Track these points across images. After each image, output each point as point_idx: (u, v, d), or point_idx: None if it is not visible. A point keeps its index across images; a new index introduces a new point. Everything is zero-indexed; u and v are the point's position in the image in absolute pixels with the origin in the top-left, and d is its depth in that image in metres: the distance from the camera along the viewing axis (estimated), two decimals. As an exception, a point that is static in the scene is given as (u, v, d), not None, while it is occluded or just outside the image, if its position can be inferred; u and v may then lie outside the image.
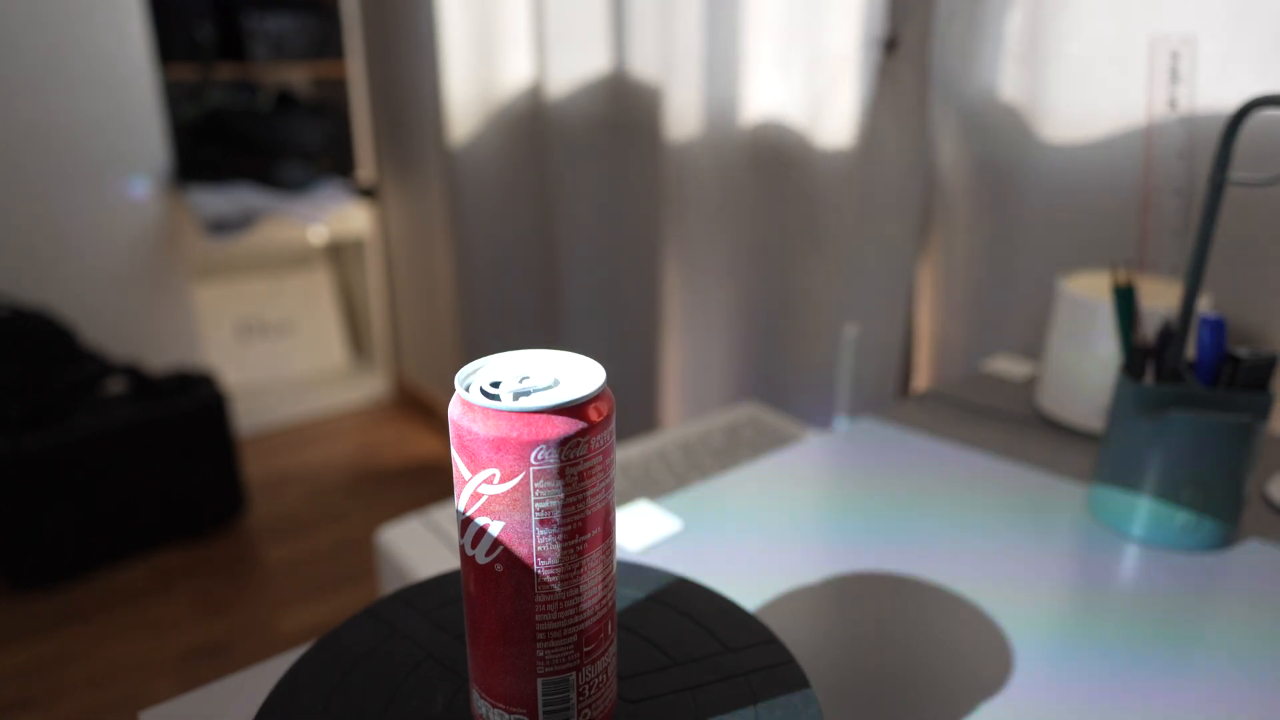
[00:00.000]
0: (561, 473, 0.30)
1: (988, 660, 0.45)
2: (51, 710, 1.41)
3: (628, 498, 0.89)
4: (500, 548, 0.31)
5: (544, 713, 0.34)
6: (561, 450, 0.30)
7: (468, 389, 0.31)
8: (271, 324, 2.53)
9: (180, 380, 1.84)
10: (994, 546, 0.56)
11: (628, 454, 1.00)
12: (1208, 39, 0.71)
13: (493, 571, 0.32)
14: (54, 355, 1.81)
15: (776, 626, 0.48)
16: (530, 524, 0.31)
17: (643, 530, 0.57)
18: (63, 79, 1.87)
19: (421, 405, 2.51)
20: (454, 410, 0.31)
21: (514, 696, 0.34)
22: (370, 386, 2.58)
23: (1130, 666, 0.45)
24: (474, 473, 0.30)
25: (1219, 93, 0.72)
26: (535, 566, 0.32)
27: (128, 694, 1.45)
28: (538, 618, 0.32)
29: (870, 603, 0.50)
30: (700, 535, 0.57)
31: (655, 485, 0.93)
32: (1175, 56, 0.58)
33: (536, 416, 0.29)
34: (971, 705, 0.42)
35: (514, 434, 0.29)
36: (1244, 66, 0.73)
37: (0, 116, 1.81)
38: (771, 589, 0.52)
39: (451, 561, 0.78)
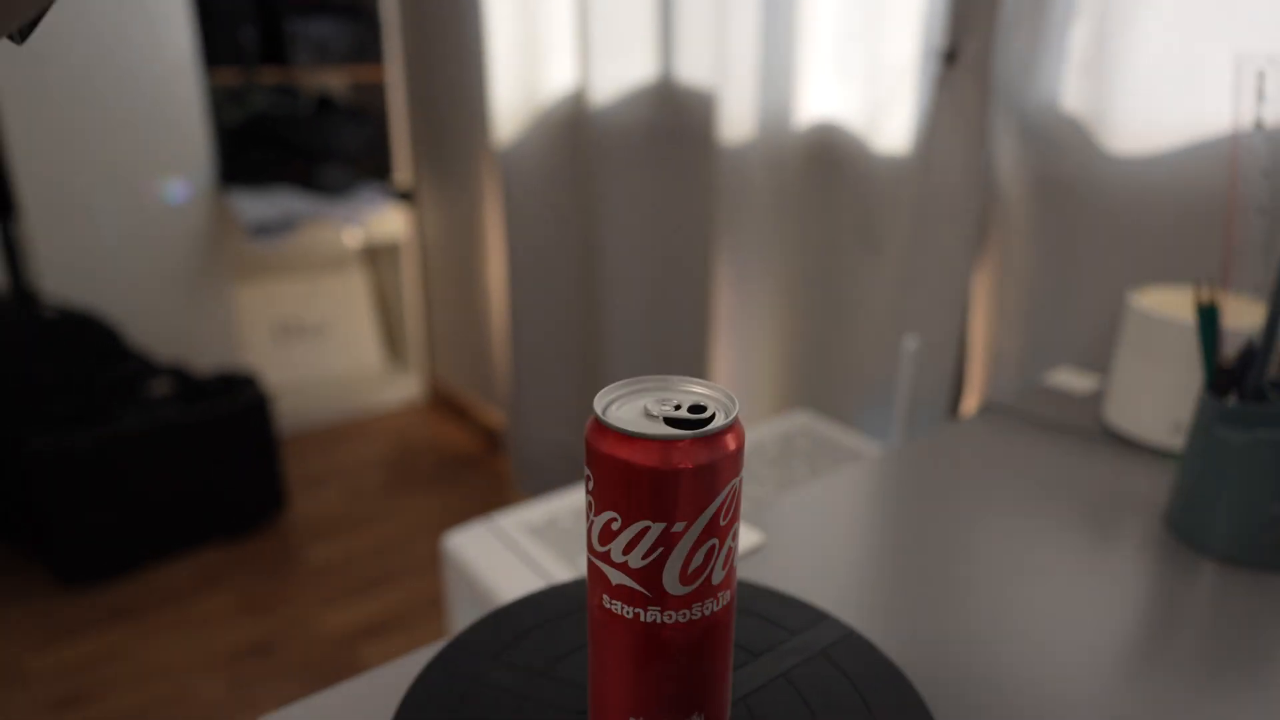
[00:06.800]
0: None
1: (1059, 676, 0.46)
2: (98, 707, 1.43)
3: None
4: (733, 545, 0.33)
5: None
6: None
7: (725, 423, 0.31)
8: (308, 325, 2.56)
9: (225, 381, 1.87)
10: (1068, 561, 0.57)
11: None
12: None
13: (730, 578, 0.33)
14: (101, 355, 1.84)
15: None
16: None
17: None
18: (110, 83, 1.90)
19: (455, 406, 2.52)
20: (719, 451, 0.31)
21: (695, 703, 0.35)
22: (405, 388, 2.61)
23: (1208, 686, 0.45)
24: (729, 480, 0.32)
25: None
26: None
27: (174, 692, 1.47)
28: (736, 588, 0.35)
29: (948, 617, 0.51)
30: (783, 547, 0.58)
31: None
32: (1262, 77, 0.58)
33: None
34: (1046, 717, 0.43)
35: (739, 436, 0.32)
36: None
37: (49, 120, 1.84)
38: (854, 597, 0.52)
39: (518, 567, 0.79)
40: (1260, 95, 0.59)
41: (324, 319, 2.59)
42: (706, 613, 0.33)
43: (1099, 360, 0.92)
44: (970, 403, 1.10)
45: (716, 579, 0.32)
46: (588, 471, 0.32)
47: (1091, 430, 0.77)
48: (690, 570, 0.31)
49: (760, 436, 1.05)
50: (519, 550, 0.81)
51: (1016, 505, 0.64)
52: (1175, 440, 0.71)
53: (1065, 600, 0.53)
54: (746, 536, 0.58)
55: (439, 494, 2.13)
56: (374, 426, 2.48)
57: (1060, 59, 0.92)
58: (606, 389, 0.33)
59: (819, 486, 0.67)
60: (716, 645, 0.34)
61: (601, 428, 0.31)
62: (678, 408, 0.32)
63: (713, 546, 0.31)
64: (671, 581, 0.31)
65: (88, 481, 1.67)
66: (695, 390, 0.33)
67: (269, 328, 2.50)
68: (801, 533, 0.60)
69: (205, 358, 2.12)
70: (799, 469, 0.98)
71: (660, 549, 0.31)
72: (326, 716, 0.42)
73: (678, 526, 0.30)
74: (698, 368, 1.48)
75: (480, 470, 2.24)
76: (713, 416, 0.32)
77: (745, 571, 0.55)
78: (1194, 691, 0.45)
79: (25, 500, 1.73)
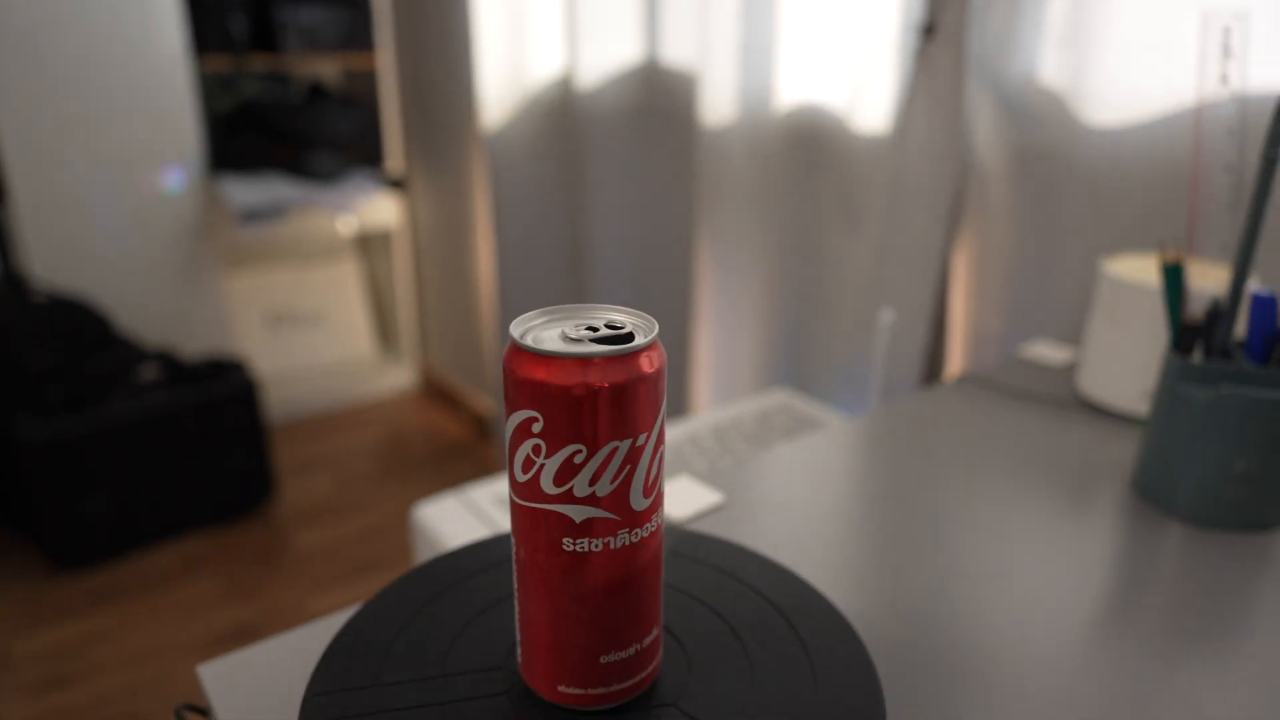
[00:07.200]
0: None
1: (1028, 636, 0.45)
2: (85, 688, 1.43)
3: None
4: (660, 467, 0.33)
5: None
6: None
7: (644, 343, 0.31)
8: (301, 314, 2.56)
9: (212, 366, 1.87)
10: (1035, 524, 0.56)
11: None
12: (1260, 16, 0.70)
13: (658, 498, 0.33)
14: (90, 341, 1.84)
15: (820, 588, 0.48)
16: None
17: (686, 502, 0.57)
18: (100, 69, 1.89)
19: (447, 395, 2.52)
20: (650, 364, 0.31)
21: (654, 617, 0.35)
22: (397, 376, 2.60)
23: (1174, 646, 0.45)
24: (659, 411, 0.31)
25: (1271, 70, 0.71)
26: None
27: (159, 674, 1.47)
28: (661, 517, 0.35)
29: (910, 579, 0.50)
30: (743, 507, 0.57)
31: (688, 467, 0.93)
32: (1227, 32, 0.57)
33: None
34: (1011, 682, 0.42)
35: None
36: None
37: (39, 107, 1.84)
38: (812, 557, 0.52)
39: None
40: (1226, 52, 0.58)
41: (317, 308, 2.58)
42: (660, 520, 0.33)
43: (1077, 334, 0.92)
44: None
45: (662, 485, 0.33)
46: (532, 414, 0.30)
47: (1065, 400, 0.76)
48: (650, 481, 0.32)
49: (738, 413, 1.04)
50: (488, 520, 0.80)
51: (984, 469, 0.63)
52: (1146, 407, 0.71)
53: (1028, 560, 0.52)
54: (705, 496, 0.58)
55: (429, 481, 2.12)
56: (366, 415, 2.48)
57: (1037, 31, 0.92)
58: (516, 323, 0.31)
59: (784, 450, 0.66)
60: (660, 553, 0.34)
61: (560, 361, 0.29)
62: (594, 330, 0.31)
63: (661, 453, 0.32)
64: (637, 498, 0.32)
65: (77, 466, 1.67)
66: (600, 314, 0.33)
67: (262, 317, 2.49)
68: (763, 494, 0.60)
69: (196, 345, 2.12)
70: (775, 445, 0.98)
71: (628, 467, 0.31)
72: (265, 663, 0.42)
73: (641, 439, 0.31)
74: (681, 345, 1.47)
75: (470, 457, 2.24)
76: (631, 331, 0.31)
77: (703, 530, 0.54)
78: (1158, 650, 0.45)
79: (14, 484, 1.73)
